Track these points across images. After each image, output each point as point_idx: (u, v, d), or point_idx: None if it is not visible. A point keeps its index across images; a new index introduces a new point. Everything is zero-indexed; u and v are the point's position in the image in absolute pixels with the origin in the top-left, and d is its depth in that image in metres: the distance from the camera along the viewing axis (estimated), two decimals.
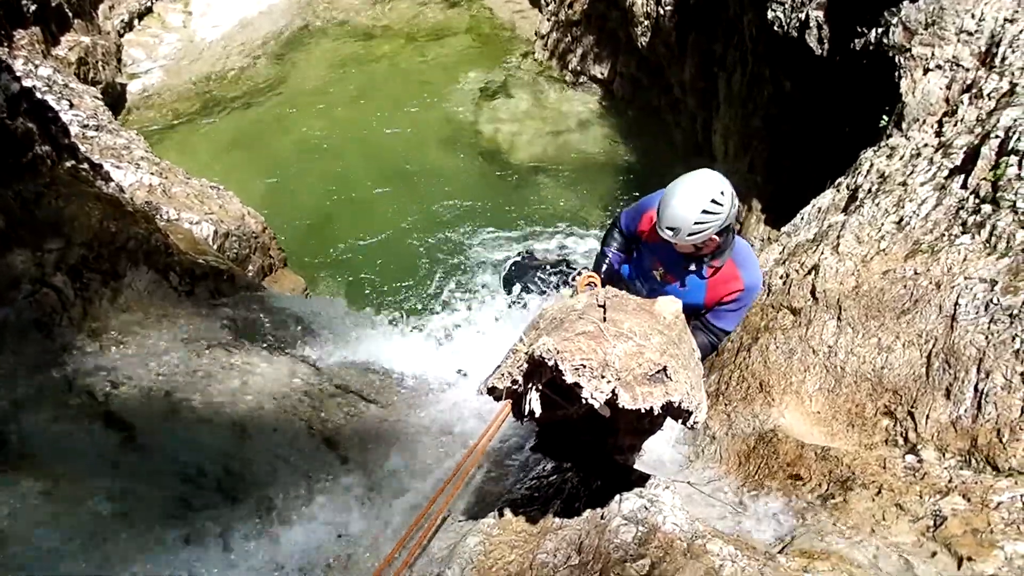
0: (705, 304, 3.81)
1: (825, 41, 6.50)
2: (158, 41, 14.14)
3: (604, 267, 4.20)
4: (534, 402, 2.43)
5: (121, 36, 13.57)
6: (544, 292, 7.70)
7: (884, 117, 5.67)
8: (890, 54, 5.60)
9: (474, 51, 14.45)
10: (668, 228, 3.50)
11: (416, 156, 11.83)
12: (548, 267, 8.24)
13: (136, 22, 14.22)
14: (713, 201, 3.42)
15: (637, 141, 11.81)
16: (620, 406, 2.23)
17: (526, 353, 2.38)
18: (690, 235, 3.48)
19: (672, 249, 3.71)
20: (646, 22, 11.16)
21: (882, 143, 5.45)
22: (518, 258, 8.64)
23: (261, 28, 14.70)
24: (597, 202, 10.89)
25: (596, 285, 3.89)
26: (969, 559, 2.68)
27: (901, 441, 3.43)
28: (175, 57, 13.95)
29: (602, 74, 12.93)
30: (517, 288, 8.08)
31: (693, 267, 3.74)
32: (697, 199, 3.43)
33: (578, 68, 13.26)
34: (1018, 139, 3.90)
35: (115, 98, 12.10)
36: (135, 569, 3.07)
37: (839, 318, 4.08)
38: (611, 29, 12.45)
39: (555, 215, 10.67)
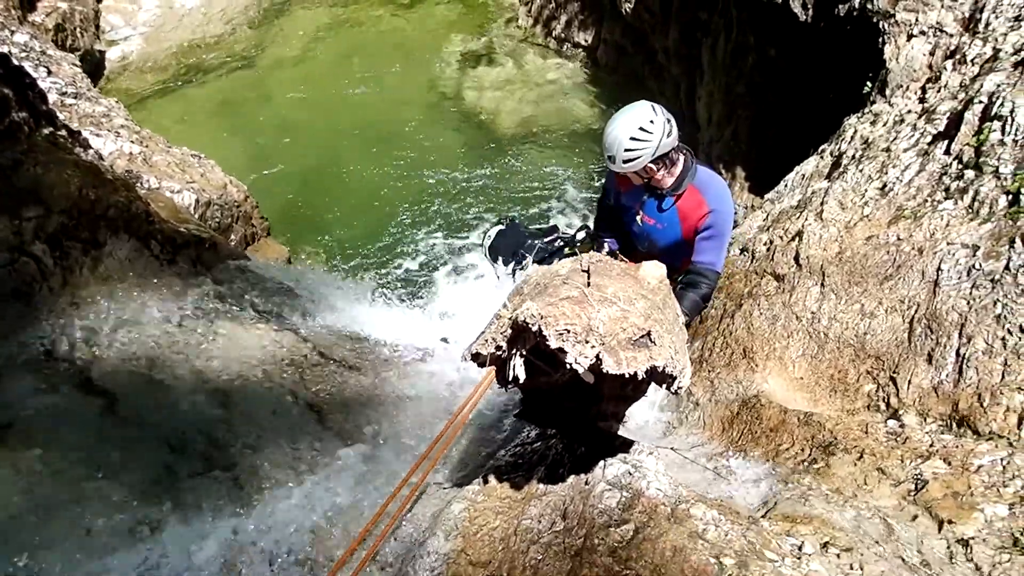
0: (684, 236, 4.09)
1: (809, 7, 6.47)
2: (137, 7, 13.85)
3: (604, 251, 4.49)
4: (518, 368, 2.41)
5: (99, 2, 13.28)
6: (537, 261, 7.57)
7: (868, 83, 5.66)
8: (874, 20, 5.57)
9: (457, 17, 14.29)
10: (608, 156, 3.92)
11: (399, 123, 11.73)
12: (538, 237, 8.11)
13: None
14: (641, 129, 3.80)
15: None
16: (604, 371, 2.22)
17: (510, 318, 2.37)
18: (625, 162, 3.87)
19: (639, 190, 4.15)
20: None
21: (866, 109, 5.44)
22: (501, 226, 8.53)
23: None
24: (580, 169, 10.84)
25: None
26: (950, 522, 2.71)
27: (883, 406, 3.45)
28: (154, 24, 13.68)
29: (586, 41, 12.83)
30: (504, 260, 7.96)
31: (655, 200, 4.11)
32: (627, 127, 3.81)
33: (562, 35, 13.15)
34: (1001, 104, 3.90)
35: (94, 65, 11.87)
36: (120, 539, 3.07)
37: (822, 284, 4.09)
38: None
39: (538, 182, 10.62)
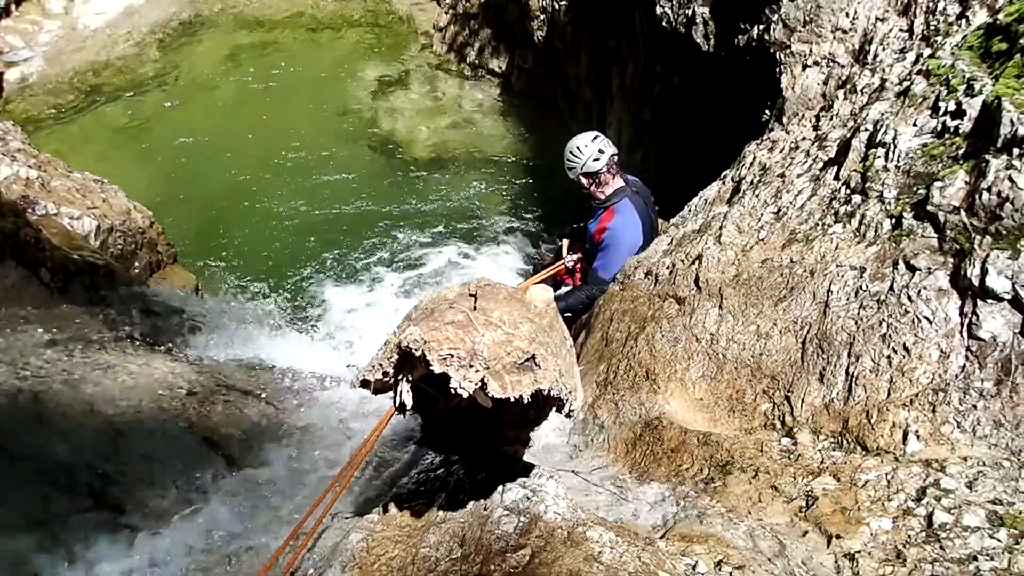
0: (595, 233, 5.78)
1: (711, 37, 6.65)
2: (38, 28, 13.45)
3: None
4: (405, 394, 2.39)
5: None
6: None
7: (767, 112, 5.83)
8: (771, 50, 5.76)
9: (371, 43, 14.24)
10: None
11: (312, 149, 11.60)
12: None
13: (13, 7, 13.48)
14: (574, 150, 5.68)
15: (535, 134, 11.86)
16: (490, 395, 2.21)
17: (395, 344, 2.35)
18: (568, 170, 5.75)
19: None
20: (542, 16, 11.24)
21: (764, 137, 5.61)
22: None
23: (148, 16, 14.14)
24: (497, 195, 10.89)
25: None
26: (838, 537, 2.77)
27: (779, 425, 3.52)
28: (57, 45, 13.29)
29: (500, 68, 12.95)
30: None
31: (594, 208, 5.89)
32: (569, 146, 5.71)
33: (476, 62, 13.25)
34: (884, 132, 4.05)
35: None
36: None
37: (721, 306, 4.17)
38: (508, 23, 12.47)
39: (455, 209, 10.62)
